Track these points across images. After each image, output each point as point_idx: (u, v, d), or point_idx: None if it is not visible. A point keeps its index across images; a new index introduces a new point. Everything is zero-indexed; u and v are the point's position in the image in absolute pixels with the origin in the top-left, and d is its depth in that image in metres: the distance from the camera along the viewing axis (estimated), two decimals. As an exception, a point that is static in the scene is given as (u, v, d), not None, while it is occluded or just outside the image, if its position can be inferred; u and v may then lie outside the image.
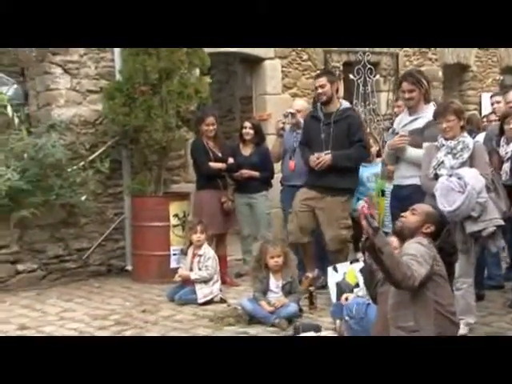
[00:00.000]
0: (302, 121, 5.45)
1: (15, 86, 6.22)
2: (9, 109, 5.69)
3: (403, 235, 3.34)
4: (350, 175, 5.07)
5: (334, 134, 4.99)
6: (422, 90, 4.45)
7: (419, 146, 4.36)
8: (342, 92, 7.72)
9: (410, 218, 3.36)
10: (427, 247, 3.17)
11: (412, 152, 4.40)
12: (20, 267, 5.62)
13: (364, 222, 3.01)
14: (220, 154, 5.71)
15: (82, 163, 5.85)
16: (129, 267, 6.07)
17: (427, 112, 4.42)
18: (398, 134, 4.54)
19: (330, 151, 4.97)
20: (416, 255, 3.07)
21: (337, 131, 4.99)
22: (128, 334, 4.28)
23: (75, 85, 5.96)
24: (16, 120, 5.72)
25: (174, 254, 5.69)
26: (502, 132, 4.82)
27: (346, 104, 5.27)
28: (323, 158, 4.96)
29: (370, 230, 2.97)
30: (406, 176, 4.44)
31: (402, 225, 3.37)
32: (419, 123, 4.44)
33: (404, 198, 4.28)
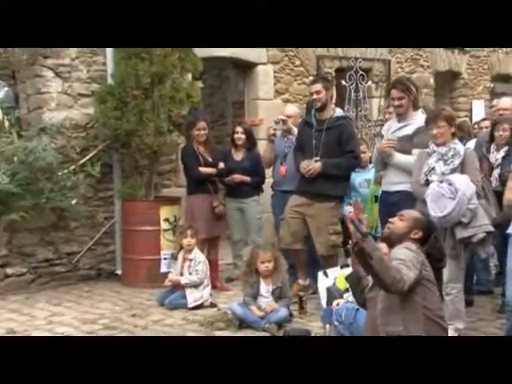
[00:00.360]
0: (292, 127, 5.46)
1: (6, 88, 6.19)
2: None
3: (391, 241, 3.35)
4: (340, 182, 5.08)
5: (326, 141, 4.99)
6: (411, 97, 4.48)
7: (408, 153, 4.38)
8: (334, 98, 7.77)
9: (397, 223, 3.37)
10: (415, 252, 3.18)
11: (401, 158, 4.42)
12: (9, 271, 5.58)
13: (351, 227, 3.01)
14: (210, 159, 5.71)
15: (73, 167, 5.83)
16: (119, 271, 6.04)
17: (416, 119, 4.45)
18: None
19: (319, 158, 4.98)
20: (405, 260, 3.08)
21: (328, 138, 5.00)
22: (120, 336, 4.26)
23: (66, 88, 5.94)
24: (6, 123, 5.72)
25: (165, 259, 5.67)
26: (492, 139, 4.85)
27: (339, 112, 5.27)
28: (313, 165, 4.97)
29: (358, 234, 2.98)
30: (394, 182, 4.46)
31: (389, 231, 3.38)
32: (408, 130, 4.46)
33: (392, 204, 4.30)
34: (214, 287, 5.34)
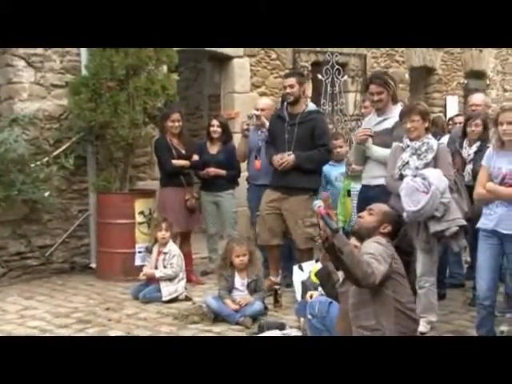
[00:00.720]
0: (266, 121, 5.45)
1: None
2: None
3: (361, 235, 3.37)
4: (313, 175, 5.10)
5: (298, 135, 5.00)
6: (390, 92, 4.49)
7: (388, 146, 4.39)
8: (310, 92, 7.79)
9: (367, 218, 3.39)
10: (385, 246, 3.21)
11: (379, 151, 4.44)
12: (-21, 264, 5.51)
13: (321, 223, 3.01)
14: (184, 152, 5.67)
15: (46, 159, 5.75)
16: (93, 265, 5.99)
17: (395, 112, 4.45)
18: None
19: (292, 152, 4.99)
20: (375, 254, 3.10)
21: (301, 133, 5.00)
22: (91, 331, 4.23)
23: (39, 78, 5.84)
24: (-24, 114, 5.61)
25: (140, 252, 5.63)
26: (464, 134, 4.91)
27: (312, 106, 5.29)
28: (286, 158, 4.98)
29: (328, 230, 2.98)
30: (375, 176, 4.45)
31: (359, 225, 3.40)
32: (388, 123, 4.48)
33: (371, 198, 4.31)
34: (188, 280, 5.32)
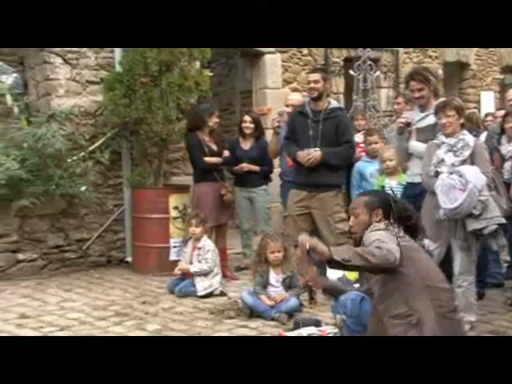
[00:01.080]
0: None
1: (15, 74, 6.17)
2: (8, 98, 5.69)
3: (361, 237, 3.23)
4: (339, 171, 5.09)
5: (323, 132, 4.96)
6: (431, 87, 4.44)
7: None
8: (342, 88, 7.77)
9: (355, 221, 3.30)
10: (383, 229, 3.11)
11: (419, 147, 4.38)
12: (20, 256, 5.62)
13: (310, 258, 2.85)
14: (215, 148, 5.71)
15: (82, 154, 5.84)
16: (128, 259, 6.07)
17: None
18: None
19: (318, 148, 4.97)
20: (379, 238, 3.00)
21: (325, 129, 4.97)
22: (128, 324, 4.29)
23: (75, 75, 5.94)
24: (16, 109, 5.71)
25: (174, 247, 5.69)
26: (502, 130, 4.84)
27: (334, 103, 5.25)
28: (313, 154, 4.95)
29: (321, 257, 2.84)
30: (418, 173, 4.36)
31: (355, 232, 3.30)
32: (431, 119, 4.40)
33: (416, 195, 4.26)
34: (223, 276, 5.35)
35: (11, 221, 5.57)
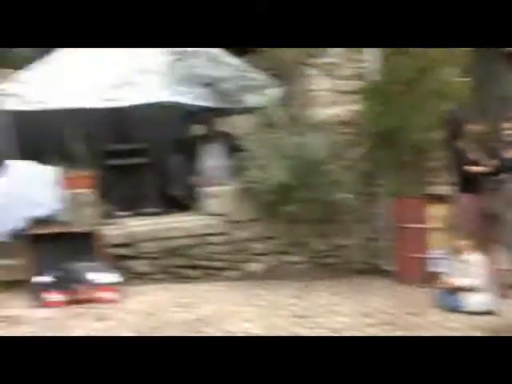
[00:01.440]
0: None
1: (277, 88, 6.61)
2: (273, 110, 6.10)
3: None
4: None
5: None
6: None
7: None
8: None
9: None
10: None
11: None
12: (287, 258, 5.98)
13: None
14: (478, 156, 5.44)
15: (342, 162, 6.02)
16: (388, 267, 6.09)
17: None
18: None
19: None
20: None
21: None
22: (397, 334, 4.29)
23: (332, 86, 6.14)
24: (280, 120, 6.11)
25: (435, 258, 5.57)
26: None
27: None
28: None
29: None
30: None
31: None
32: None
33: None
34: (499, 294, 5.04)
35: (279, 225, 5.94)
